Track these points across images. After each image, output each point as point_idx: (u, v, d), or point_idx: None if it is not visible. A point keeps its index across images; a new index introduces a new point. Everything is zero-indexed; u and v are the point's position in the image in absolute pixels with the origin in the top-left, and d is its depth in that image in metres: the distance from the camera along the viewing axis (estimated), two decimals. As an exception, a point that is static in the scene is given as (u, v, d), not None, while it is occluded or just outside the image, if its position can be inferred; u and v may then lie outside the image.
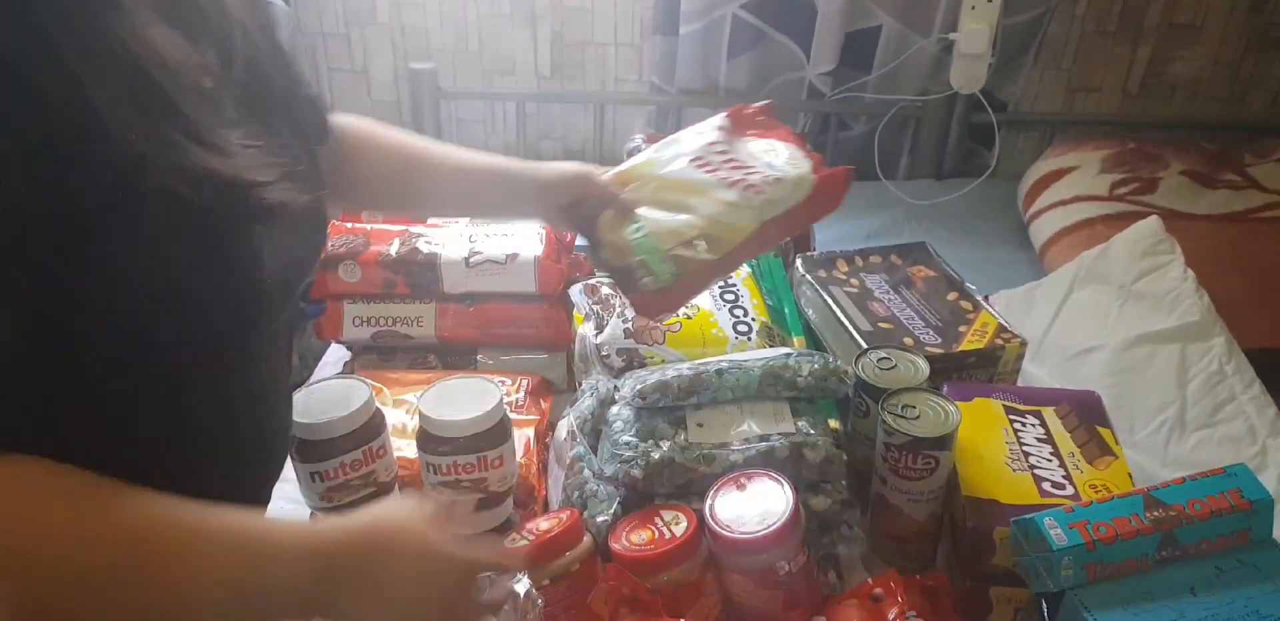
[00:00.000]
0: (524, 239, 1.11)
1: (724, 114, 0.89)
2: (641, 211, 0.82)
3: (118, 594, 0.52)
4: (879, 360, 0.93)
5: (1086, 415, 0.90)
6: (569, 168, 0.86)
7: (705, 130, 0.88)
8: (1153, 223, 1.27)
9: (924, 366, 0.92)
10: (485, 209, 1.00)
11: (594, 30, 1.84)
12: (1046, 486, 0.81)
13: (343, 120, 0.83)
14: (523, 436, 0.94)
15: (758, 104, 0.91)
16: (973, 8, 1.61)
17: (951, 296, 1.09)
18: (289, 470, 0.78)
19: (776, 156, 0.85)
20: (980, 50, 1.62)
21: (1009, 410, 0.91)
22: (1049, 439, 0.87)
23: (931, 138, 1.81)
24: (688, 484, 0.82)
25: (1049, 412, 0.91)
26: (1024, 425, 0.89)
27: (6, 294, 0.48)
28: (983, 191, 1.72)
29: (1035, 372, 1.21)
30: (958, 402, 0.85)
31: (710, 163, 0.84)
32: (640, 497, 0.83)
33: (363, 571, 0.58)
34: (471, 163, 0.88)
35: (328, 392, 0.80)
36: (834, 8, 1.67)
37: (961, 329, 1.03)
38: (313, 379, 1.16)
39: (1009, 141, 1.86)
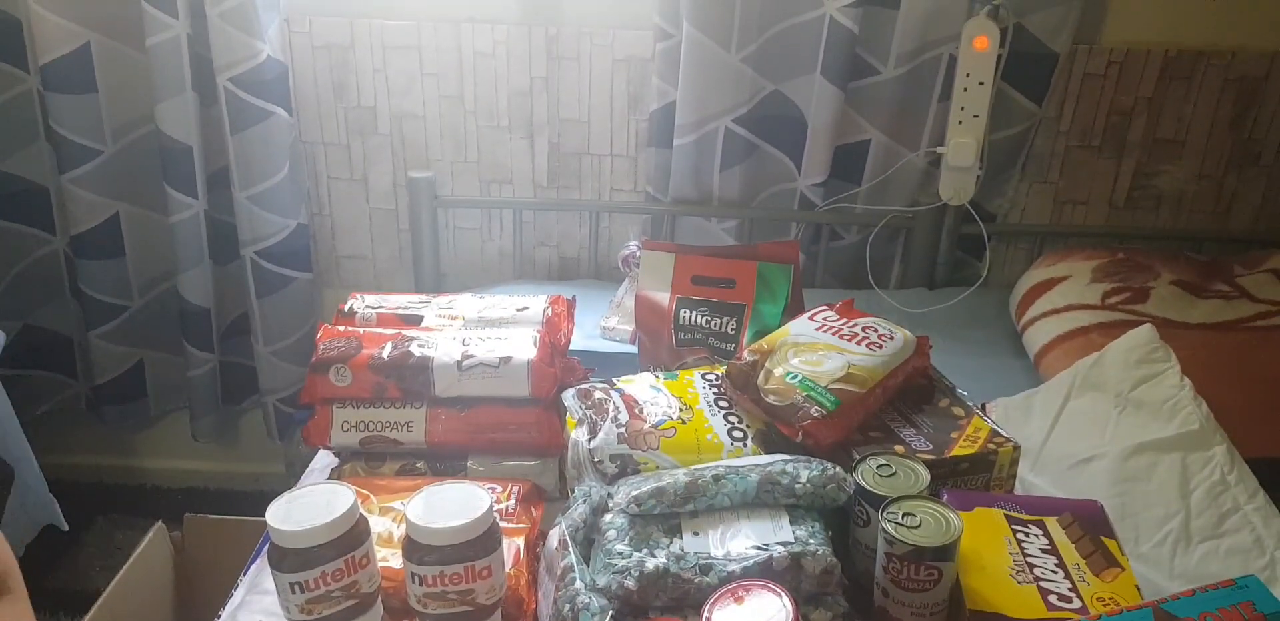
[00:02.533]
0: (518, 342, 1.10)
1: (826, 305, 1.18)
2: (792, 364, 1.05)
3: None
4: (878, 467, 0.92)
5: (1090, 525, 0.89)
6: None
7: (817, 314, 1.16)
8: (1146, 331, 1.27)
9: (924, 474, 0.91)
10: None
11: (590, 142, 1.89)
12: (1053, 599, 0.79)
13: None
14: (513, 546, 0.92)
15: (843, 300, 1.20)
16: (959, 122, 1.65)
17: (944, 403, 1.10)
18: (270, 581, 0.75)
19: (880, 326, 1.13)
20: (968, 163, 1.66)
21: (1011, 520, 0.90)
22: (1053, 549, 0.85)
23: (922, 248, 1.83)
24: (684, 596, 0.80)
25: (1052, 522, 0.89)
26: (1027, 535, 0.87)
27: None
28: (975, 300, 1.73)
29: (1036, 482, 1.19)
30: (959, 511, 0.83)
31: (834, 329, 1.12)
32: (634, 611, 0.80)
33: None
34: None
35: (310, 499, 0.78)
36: (823, 123, 1.72)
37: (954, 435, 1.03)
38: (298, 485, 1.14)
39: (999, 251, 1.89)
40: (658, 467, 0.99)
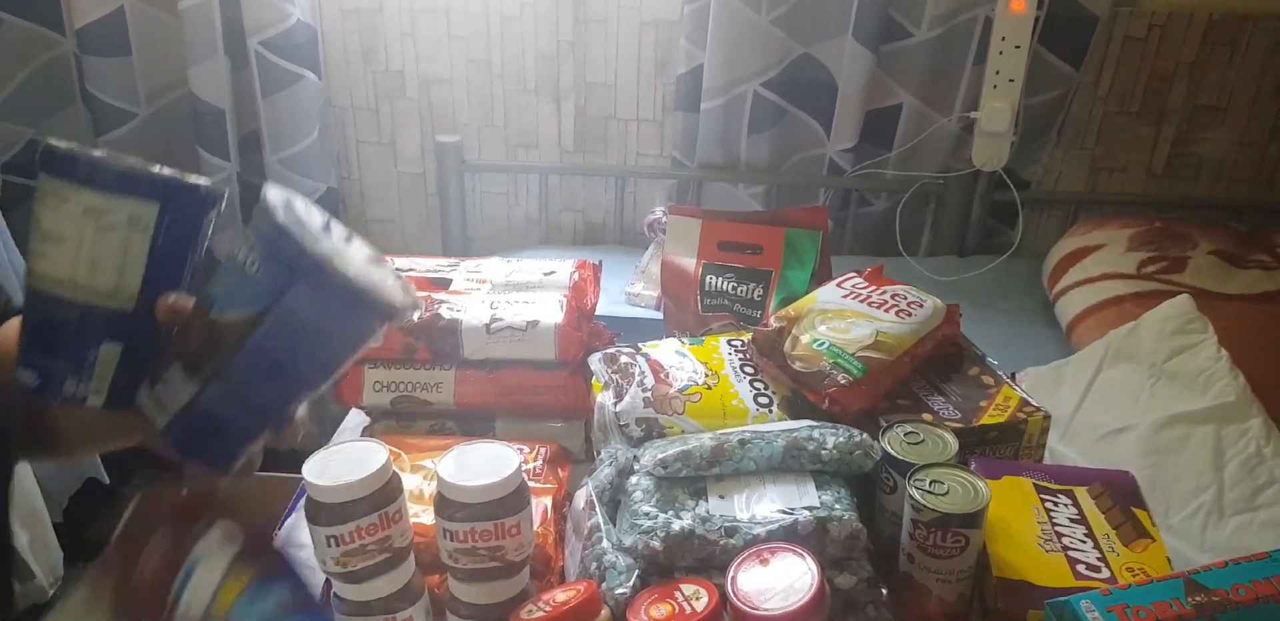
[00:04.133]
0: (545, 306, 1.10)
1: (854, 272, 1.15)
2: (820, 331, 1.03)
3: None
4: (906, 434, 0.91)
5: (1121, 496, 0.87)
6: None
7: (845, 280, 1.13)
8: (1184, 301, 1.25)
9: (952, 441, 0.90)
10: None
11: (617, 106, 1.87)
12: (1081, 568, 0.78)
13: None
14: (540, 505, 0.92)
15: (872, 267, 1.17)
16: (994, 87, 1.62)
17: (973, 371, 1.08)
18: (305, 536, 0.76)
19: (910, 293, 1.10)
20: (1002, 128, 1.63)
21: (1040, 489, 0.89)
22: (1082, 519, 0.84)
23: (953, 215, 1.81)
24: (709, 557, 0.80)
25: (1081, 492, 0.88)
26: (1056, 504, 0.86)
27: None
28: (1006, 268, 1.71)
29: (1065, 452, 1.18)
30: (987, 480, 0.82)
31: (862, 296, 1.09)
32: (660, 570, 0.80)
33: None
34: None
35: (345, 455, 0.79)
36: (854, 87, 1.69)
37: (982, 403, 1.01)
38: (331, 443, 1.15)
39: (1032, 219, 1.86)
40: (683, 431, 0.98)
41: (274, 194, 0.55)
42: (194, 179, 0.57)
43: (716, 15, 1.67)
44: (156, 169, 0.56)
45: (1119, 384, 1.23)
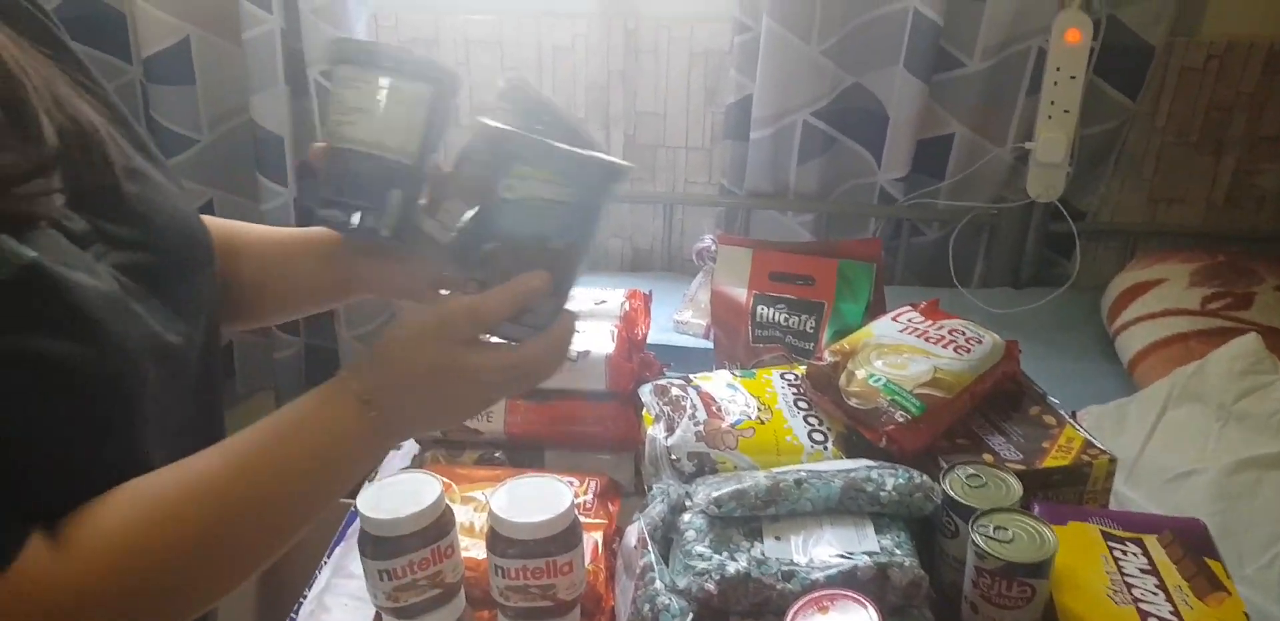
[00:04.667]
0: (596, 336, 1.09)
1: (910, 305, 1.13)
2: (876, 366, 1.00)
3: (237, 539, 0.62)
4: (968, 477, 0.89)
5: (1192, 545, 0.84)
6: None
7: (901, 314, 1.11)
8: (1251, 340, 1.22)
9: (1016, 485, 0.88)
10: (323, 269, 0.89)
11: (666, 134, 1.87)
12: (1154, 622, 0.75)
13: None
14: (590, 541, 0.91)
15: (928, 301, 1.15)
16: (1049, 117, 1.60)
17: (1034, 410, 1.05)
18: (355, 565, 0.75)
19: (968, 328, 1.08)
20: (1058, 159, 1.61)
21: (1107, 536, 0.86)
22: (1153, 569, 0.81)
23: (1008, 246, 1.78)
24: (765, 602, 0.78)
25: (1151, 541, 0.85)
26: (1125, 553, 0.83)
27: None
28: (1063, 301, 1.68)
29: (1131, 495, 1.14)
30: (1053, 526, 0.80)
31: (919, 331, 1.07)
32: (714, 614, 0.78)
33: (379, 382, 0.65)
34: (285, 230, 0.90)
35: (399, 487, 0.78)
36: (905, 116, 1.68)
37: (1045, 444, 0.98)
38: (381, 470, 1.14)
39: (1088, 251, 1.83)
40: (735, 467, 0.96)
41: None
42: (448, 67, 0.74)
43: (767, 46, 1.67)
44: (430, 59, 0.73)
45: (1186, 425, 1.19)
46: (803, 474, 0.88)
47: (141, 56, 1.81)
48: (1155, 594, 0.78)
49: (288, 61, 1.77)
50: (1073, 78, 1.57)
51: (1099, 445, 0.98)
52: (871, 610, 0.72)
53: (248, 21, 1.72)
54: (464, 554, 0.84)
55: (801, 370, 1.09)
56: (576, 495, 0.98)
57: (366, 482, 1.11)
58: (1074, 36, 1.54)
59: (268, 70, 1.76)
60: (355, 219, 0.75)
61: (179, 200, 0.74)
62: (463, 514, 0.93)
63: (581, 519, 0.89)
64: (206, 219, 0.83)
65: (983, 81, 1.68)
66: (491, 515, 0.77)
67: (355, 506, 0.76)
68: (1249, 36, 1.66)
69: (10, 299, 0.55)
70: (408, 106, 0.74)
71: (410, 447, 1.15)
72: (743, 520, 0.85)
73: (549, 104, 0.72)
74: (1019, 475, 0.90)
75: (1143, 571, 0.80)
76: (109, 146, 0.67)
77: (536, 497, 0.78)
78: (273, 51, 1.75)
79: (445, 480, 0.89)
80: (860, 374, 1.02)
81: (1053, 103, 1.59)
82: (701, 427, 1.00)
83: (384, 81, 0.73)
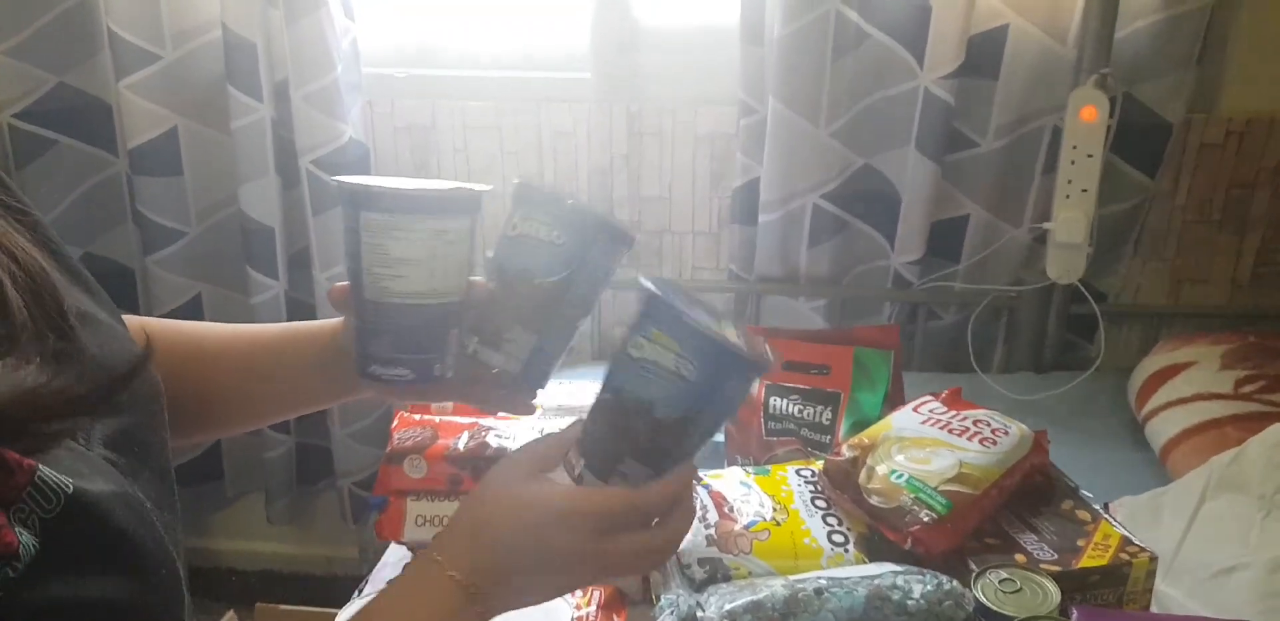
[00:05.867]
0: (599, 433, 1.04)
1: (931, 395, 1.10)
2: (897, 461, 0.97)
3: None
4: (1001, 581, 0.82)
5: (1247, 651, 0.78)
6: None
7: (922, 405, 1.08)
8: (1292, 425, 1.15)
9: (1054, 590, 0.82)
10: (298, 372, 0.82)
11: (672, 219, 1.85)
12: (1218, 744, 0.68)
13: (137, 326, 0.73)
14: (592, 662, 0.84)
15: (950, 390, 1.12)
16: (1067, 197, 1.56)
17: (1066, 505, 1.00)
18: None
19: (994, 419, 1.05)
20: (1078, 239, 1.56)
21: (1156, 645, 0.79)
22: (1210, 682, 0.74)
23: (1028, 329, 1.73)
24: (785, 733, 0.71)
25: (1203, 648, 0.79)
26: (1179, 665, 0.76)
27: None
28: (1088, 386, 1.61)
29: (1171, 593, 1.06)
30: (1099, 637, 0.73)
31: (942, 422, 1.03)
32: (729, 747, 0.71)
33: (487, 569, 0.59)
34: (263, 328, 0.83)
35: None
36: (918, 198, 1.65)
37: (1080, 542, 0.93)
38: (370, 581, 1.09)
39: (1112, 334, 1.77)
40: (750, 573, 0.90)
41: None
42: (478, 187, 0.72)
43: (773, 128, 1.65)
44: (456, 186, 0.71)
45: (1226, 517, 1.12)
46: (823, 581, 0.82)
47: (127, 148, 1.79)
48: (1217, 714, 0.70)
49: (278, 150, 1.75)
50: (1090, 156, 1.54)
51: (1138, 542, 0.93)
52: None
53: (237, 110, 1.71)
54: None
55: (818, 466, 1.04)
56: (579, 607, 0.92)
57: (356, 593, 1.05)
58: (1090, 114, 1.52)
59: (257, 160, 1.74)
60: (423, 373, 0.72)
61: (125, 341, 0.62)
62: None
63: (583, 635, 0.83)
64: (165, 327, 0.77)
65: (997, 161, 1.66)
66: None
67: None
68: (1269, 112, 1.63)
69: (61, 540, 0.46)
70: (455, 245, 0.71)
71: (402, 554, 1.09)
72: (759, 636, 0.78)
73: (561, 198, 0.74)
74: (1054, 577, 0.84)
75: (1201, 687, 0.73)
76: (59, 291, 0.55)
77: (529, 614, 0.72)
78: (263, 141, 1.73)
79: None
80: (881, 469, 0.97)
81: (1070, 182, 1.56)
82: (713, 530, 0.94)
83: (426, 225, 0.69)
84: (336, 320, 0.79)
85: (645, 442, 0.63)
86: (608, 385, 0.66)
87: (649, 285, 0.64)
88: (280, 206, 1.79)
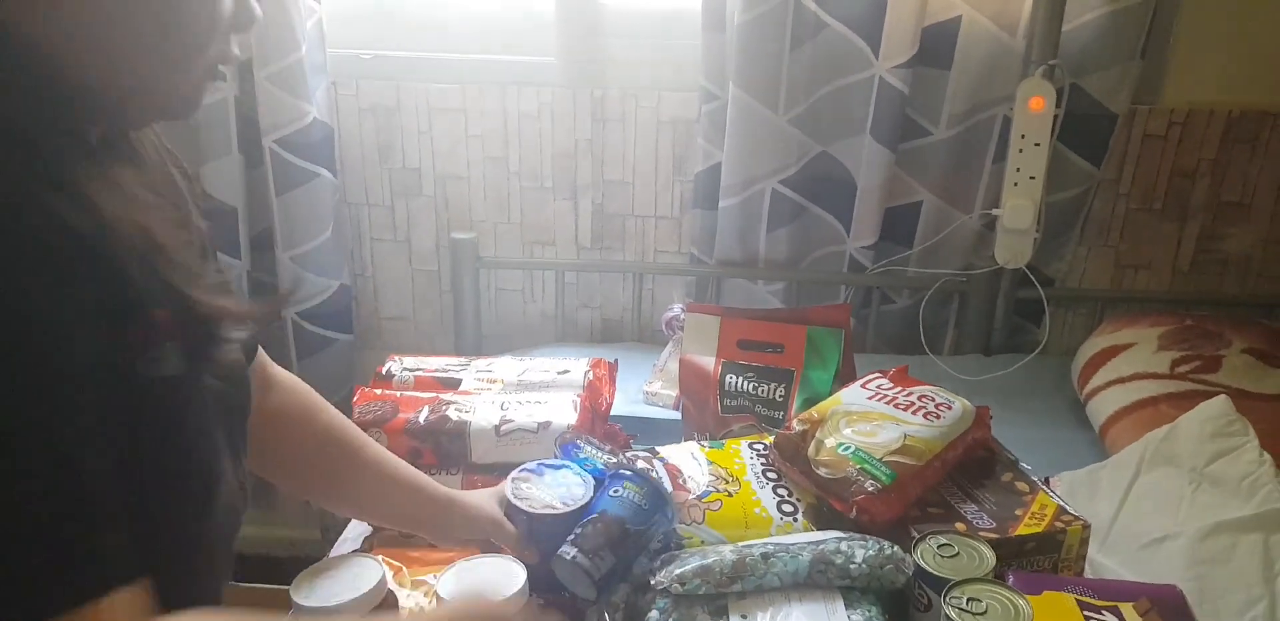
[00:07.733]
0: (557, 407, 1.07)
1: (879, 372, 1.13)
2: (845, 434, 1.00)
3: None
4: (940, 547, 0.86)
5: (1169, 612, 0.82)
6: (486, 510, 0.93)
7: (870, 381, 1.11)
8: (1222, 402, 1.20)
9: (989, 555, 0.86)
10: (402, 521, 0.97)
11: (634, 203, 1.87)
12: (1136, 696, 0.72)
13: (281, 377, 0.87)
14: (550, 624, 0.86)
15: (897, 367, 1.15)
16: (1015, 184, 1.61)
17: (1006, 477, 1.04)
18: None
19: (938, 395, 1.08)
20: (1025, 226, 1.61)
21: (1083, 605, 0.83)
22: (1133, 640, 0.78)
23: (977, 313, 1.78)
24: (730, 686, 0.74)
25: (1128, 608, 0.83)
26: (1103, 623, 0.81)
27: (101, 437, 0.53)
28: (1034, 367, 1.67)
29: (1105, 562, 1.12)
30: (1027, 596, 0.77)
31: (889, 397, 1.06)
32: (677, 700, 0.74)
33: None
34: (401, 473, 0.94)
35: (337, 572, 0.75)
36: (873, 184, 1.68)
37: (1018, 512, 0.97)
38: (331, 555, 1.10)
39: (1058, 317, 1.83)
40: (702, 542, 0.93)
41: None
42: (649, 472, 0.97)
43: (734, 115, 1.68)
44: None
45: (1158, 489, 1.17)
46: (769, 547, 0.86)
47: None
48: (1137, 668, 0.75)
49: (242, 130, 1.75)
50: (1037, 145, 1.58)
51: (1072, 512, 0.97)
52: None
53: (200, 89, 1.71)
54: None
55: (771, 440, 1.07)
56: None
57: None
58: (1038, 104, 1.56)
59: (221, 139, 1.74)
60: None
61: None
62: (413, 599, 0.89)
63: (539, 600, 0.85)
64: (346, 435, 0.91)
65: (949, 149, 1.70)
66: (437, 599, 0.74)
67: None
68: (1209, 104, 1.69)
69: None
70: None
71: (362, 529, 1.11)
72: (708, 598, 0.82)
73: (654, 481, 0.95)
74: (992, 544, 0.88)
75: (1123, 644, 0.78)
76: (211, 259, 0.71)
77: (487, 580, 0.75)
78: (226, 120, 1.73)
79: (392, 562, 0.86)
80: (829, 442, 1.00)
81: (1018, 170, 1.60)
82: (666, 500, 0.97)
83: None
84: (493, 508, 0.93)
85: (618, 540, 0.89)
86: (597, 509, 0.92)
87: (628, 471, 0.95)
88: (244, 186, 1.79)
